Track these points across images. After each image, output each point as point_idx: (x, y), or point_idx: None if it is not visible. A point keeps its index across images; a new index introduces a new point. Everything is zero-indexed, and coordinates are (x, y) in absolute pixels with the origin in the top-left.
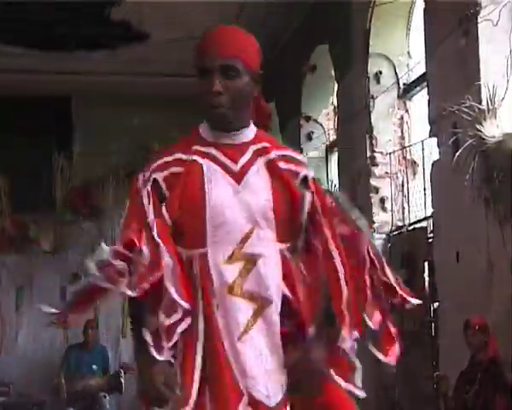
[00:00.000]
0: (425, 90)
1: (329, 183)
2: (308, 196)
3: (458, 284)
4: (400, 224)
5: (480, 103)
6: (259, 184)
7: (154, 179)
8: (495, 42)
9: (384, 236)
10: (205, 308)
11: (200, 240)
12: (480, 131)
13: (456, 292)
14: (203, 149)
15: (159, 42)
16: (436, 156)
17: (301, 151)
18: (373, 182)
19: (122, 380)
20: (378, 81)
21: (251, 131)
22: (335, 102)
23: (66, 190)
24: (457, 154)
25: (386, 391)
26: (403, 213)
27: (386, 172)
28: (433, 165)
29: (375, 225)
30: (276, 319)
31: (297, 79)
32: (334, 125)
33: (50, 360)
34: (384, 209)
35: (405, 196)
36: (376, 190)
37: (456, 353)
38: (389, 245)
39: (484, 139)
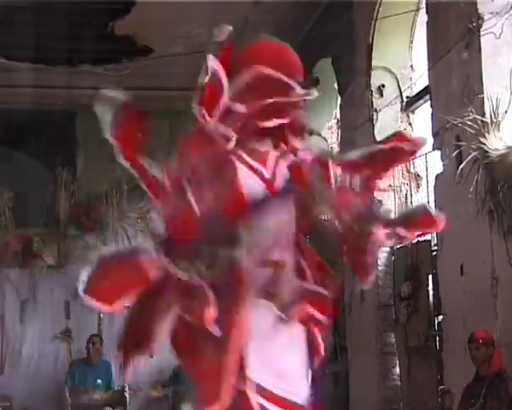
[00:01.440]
0: (428, 103)
1: None
2: None
3: (462, 297)
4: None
5: (483, 116)
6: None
7: None
8: (498, 55)
9: (388, 249)
10: None
11: None
12: (484, 143)
13: (461, 305)
14: None
15: (162, 56)
16: (439, 169)
17: None
18: (376, 195)
19: (126, 395)
20: (381, 94)
21: None
22: (338, 116)
23: (70, 205)
24: (461, 166)
25: (390, 405)
26: None
27: (390, 185)
28: (436, 177)
29: None
30: None
31: None
32: (338, 139)
33: (54, 374)
34: None
35: None
36: (380, 202)
37: (461, 367)
38: (393, 258)
39: (487, 152)
